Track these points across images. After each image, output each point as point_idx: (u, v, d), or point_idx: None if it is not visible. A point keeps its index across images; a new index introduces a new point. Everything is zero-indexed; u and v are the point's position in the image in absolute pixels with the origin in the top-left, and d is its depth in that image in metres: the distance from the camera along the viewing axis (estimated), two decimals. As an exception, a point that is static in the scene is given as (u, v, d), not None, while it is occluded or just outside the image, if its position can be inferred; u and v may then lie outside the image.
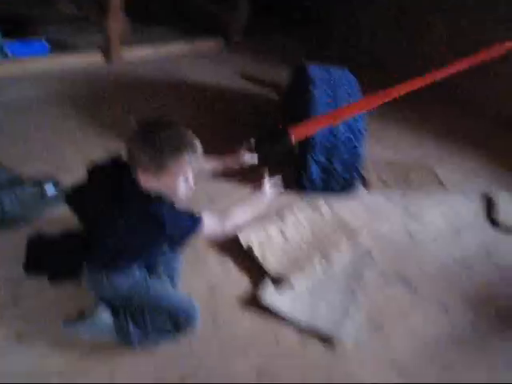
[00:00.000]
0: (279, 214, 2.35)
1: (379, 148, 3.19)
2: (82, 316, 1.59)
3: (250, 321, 1.81)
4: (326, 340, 1.77)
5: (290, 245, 2.17)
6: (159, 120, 1.37)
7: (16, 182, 2.19)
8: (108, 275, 1.50)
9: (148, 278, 1.59)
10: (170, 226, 1.32)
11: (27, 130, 2.75)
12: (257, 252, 2.07)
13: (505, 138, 3.62)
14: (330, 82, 2.63)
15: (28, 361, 1.54)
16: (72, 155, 2.56)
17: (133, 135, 1.33)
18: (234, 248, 2.11)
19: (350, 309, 1.90)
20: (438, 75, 2.26)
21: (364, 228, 2.39)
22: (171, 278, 1.72)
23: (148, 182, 1.34)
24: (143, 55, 3.93)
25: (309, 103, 2.50)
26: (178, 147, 1.30)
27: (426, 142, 3.45)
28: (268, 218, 2.28)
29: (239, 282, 1.98)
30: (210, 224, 1.43)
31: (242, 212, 1.58)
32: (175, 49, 4.16)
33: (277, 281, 1.96)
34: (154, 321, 1.59)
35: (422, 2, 4.31)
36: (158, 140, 1.28)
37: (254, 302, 1.87)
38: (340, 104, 2.48)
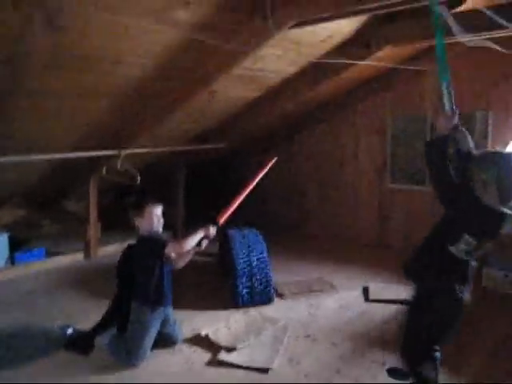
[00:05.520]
0: (225, 320, 3.57)
1: (290, 275, 4.60)
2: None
3: (215, 370, 2.95)
4: (259, 370, 2.91)
5: (232, 332, 3.37)
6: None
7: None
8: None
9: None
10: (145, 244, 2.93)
11: (41, 304, 3.93)
12: (212, 337, 3.26)
13: (365, 253, 5.30)
14: (242, 234, 4.14)
15: None
16: (75, 314, 3.73)
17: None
18: (199, 340, 3.29)
19: (273, 355, 3.06)
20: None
21: (281, 319, 3.63)
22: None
23: (138, 223, 2.95)
24: (112, 250, 5.35)
25: (230, 249, 3.97)
26: (147, 202, 2.95)
27: (322, 265, 4.93)
28: (217, 324, 3.50)
29: (206, 354, 3.14)
30: (171, 244, 2.96)
31: (191, 238, 3.00)
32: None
33: (227, 350, 3.12)
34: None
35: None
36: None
37: (217, 362, 3.03)
38: (251, 244, 3.97)
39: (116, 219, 6.13)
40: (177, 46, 3.09)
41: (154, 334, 3.07)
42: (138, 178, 4.53)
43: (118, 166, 4.39)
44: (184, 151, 5.55)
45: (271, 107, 5.04)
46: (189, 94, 3.88)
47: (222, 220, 3.14)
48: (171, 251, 2.99)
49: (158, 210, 3.13)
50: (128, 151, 4.54)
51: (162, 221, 3.15)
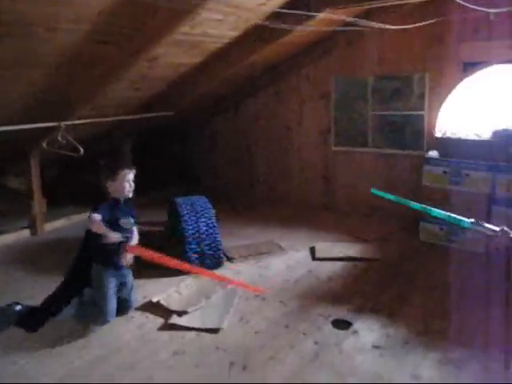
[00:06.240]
0: (176, 285, 3.64)
1: (240, 239, 4.70)
2: None
3: (167, 333, 3.03)
4: (210, 330, 3.02)
5: (183, 297, 3.45)
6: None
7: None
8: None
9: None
10: None
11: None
12: (163, 302, 3.32)
13: (312, 215, 5.49)
14: (190, 202, 4.18)
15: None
16: (24, 291, 3.68)
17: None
18: (151, 306, 3.35)
19: (224, 316, 3.17)
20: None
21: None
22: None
23: (110, 186, 2.97)
24: (60, 225, 5.26)
25: (178, 217, 4.00)
26: (122, 166, 2.94)
27: (271, 229, 5.07)
28: (169, 290, 3.56)
29: (158, 319, 3.21)
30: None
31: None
32: (85, 216, 5.52)
33: (179, 314, 3.20)
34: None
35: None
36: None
37: (169, 326, 3.11)
38: (199, 211, 4.01)
39: (62, 193, 6.03)
40: (111, 11, 3.00)
41: (114, 291, 3.14)
42: (81, 149, 4.42)
43: (59, 138, 4.26)
44: (129, 121, 5.44)
45: (215, 72, 5.01)
46: (128, 61, 3.79)
47: (131, 249, 3.07)
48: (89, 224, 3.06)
49: (131, 175, 3.18)
50: (69, 122, 4.41)
51: (133, 186, 3.20)
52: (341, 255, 4.19)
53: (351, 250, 4.34)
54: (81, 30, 3.12)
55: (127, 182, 3.14)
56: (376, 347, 2.83)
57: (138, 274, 3.74)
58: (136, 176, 3.32)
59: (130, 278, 3.28)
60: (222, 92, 5.97)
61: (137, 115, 5.34)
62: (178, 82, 4.95)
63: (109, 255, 3.10)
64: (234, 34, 4.26)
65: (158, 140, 7.04)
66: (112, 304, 3.09)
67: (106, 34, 3.30)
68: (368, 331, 3.01)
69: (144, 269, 3.95)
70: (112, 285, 3.12)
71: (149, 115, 5.41)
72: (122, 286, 3.22)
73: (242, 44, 4.53)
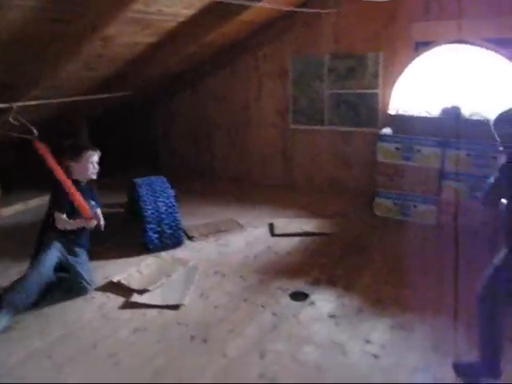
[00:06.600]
0: (137, 265, 3.66)
1: (200, 218, 4.74)
2: None
3: (129, 311, 3.07)
4: (171, 307, 3.08)
5: (144, 276, 3.48)
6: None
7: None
8: None
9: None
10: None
11: None
12: (124, 282, 3.35)
13: (271, 193, 5.58)
14: (149, 182, 4.18)
15: None
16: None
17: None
18: (112, 286, 3.37)
19: (185, 292, 3.23)
20: None
21: (192, 259, 3.79)
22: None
23: (74, 168, 3.08)
24: (16, 210, 5.16)
25: (138, 197, 4.00)
26: (86, 148, 3.07)
27: (231, 207, 5.13)
28: (129, 270, 3.58)
29: (119, 298, 3.23)
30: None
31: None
32: (41, 201, 5.42)
33: (140, 292, 3.24)
34: None
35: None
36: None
37: (130, 304, 3.15)
38: (157, 191, 4.02)
39: (18, 177, 5.88)
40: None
41: (54, 257, 3.14)
42: (35, 131, 4.31)
43: (11, 120, 4.13)
44: (85, 101, 5.32)
45: (172, 52, 4.95)
46: (81, 40, 3.70)
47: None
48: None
49: (95, 157, 3.30)
50: (21, 104, 4.28)
51: (97, 168, 3.32)
52: (299, 231, 4.30)
53: (309, 225, 4.46)
54: (27, 6, 3.03)
55: (91, 163, 3.25)
56: (332, 316, 2.95)
57: (97, 256, 3.76)
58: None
59: (84, 257, 3.31)
60: (179, 71, 5.92)
61: (93, 95, 5.23)
62: (134, 61, 4.87)
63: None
64: (188, 12, 4.22)
65: (118, 121, 6.93)
66: (49, 263, 3.08)
67: (54, 10, 3.20)
68: (324, 302, 3.13)
69: (103, 250, 3.97)
70: (58, 247, 3.18)
71: (105, 95, 5.31)
72: (72, 264, 3.24)
73: (198, 23, 4.49)
